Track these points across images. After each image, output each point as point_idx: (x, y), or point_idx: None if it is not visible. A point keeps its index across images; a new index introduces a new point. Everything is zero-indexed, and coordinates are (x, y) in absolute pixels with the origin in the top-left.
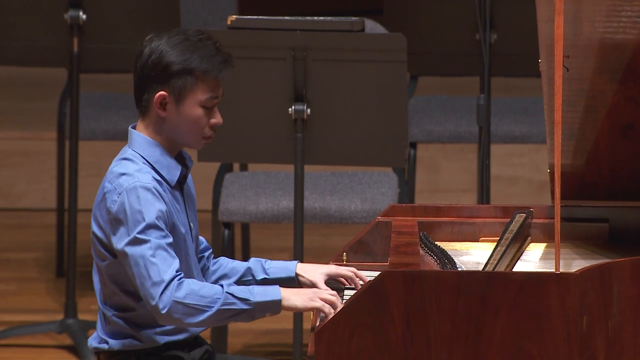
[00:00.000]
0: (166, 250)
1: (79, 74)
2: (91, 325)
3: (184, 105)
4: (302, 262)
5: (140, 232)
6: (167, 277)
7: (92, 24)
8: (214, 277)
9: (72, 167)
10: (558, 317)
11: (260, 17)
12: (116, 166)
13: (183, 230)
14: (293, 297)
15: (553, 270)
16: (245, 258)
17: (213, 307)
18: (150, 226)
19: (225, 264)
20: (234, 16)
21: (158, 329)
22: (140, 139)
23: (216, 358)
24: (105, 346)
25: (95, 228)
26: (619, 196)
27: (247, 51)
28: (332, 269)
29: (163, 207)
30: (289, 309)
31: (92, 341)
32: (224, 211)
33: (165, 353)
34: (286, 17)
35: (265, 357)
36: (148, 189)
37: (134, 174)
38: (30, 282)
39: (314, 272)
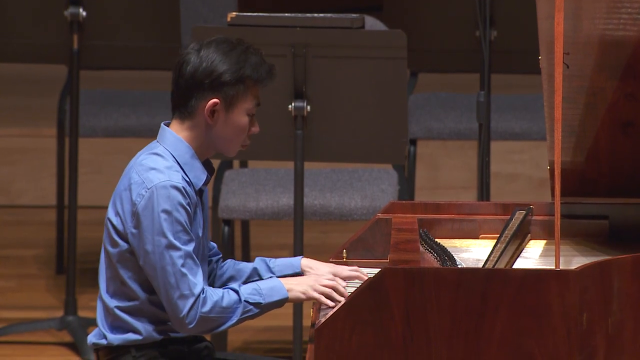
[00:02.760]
0: (193, 259)
1: (79, 71)
2: (91, 322)
3: (233, 113)
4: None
5: (170, 236)
6: (196, 291)
7: (92, 21)
8: (221, 280)
9: (72, 164)
10: (558, 314)
11: (260, 14)
12: (145, 159)
13: (200, 234)
14: (295, 288)
15: (553, 267)
16: (245, 255)
17: (232, 317)
18: (180, 230)
19: (232, 266)
20: (234, 13)
21: (158, 325)
22: (173, 137)
23: (216, 355)
24: (104, 342)
25: (112, 214)
26: (619, 193)
27: None
28: (338, 269)
29: (190, 208)
30: (292, 301)
31: (92, 338)
32: (223, 208)
33: (165, 349)
34: (286, 14)
35: (265, 354)
36: (178, 189)
37: (165, 171)
38: (30, 279)
39: (322, 269)
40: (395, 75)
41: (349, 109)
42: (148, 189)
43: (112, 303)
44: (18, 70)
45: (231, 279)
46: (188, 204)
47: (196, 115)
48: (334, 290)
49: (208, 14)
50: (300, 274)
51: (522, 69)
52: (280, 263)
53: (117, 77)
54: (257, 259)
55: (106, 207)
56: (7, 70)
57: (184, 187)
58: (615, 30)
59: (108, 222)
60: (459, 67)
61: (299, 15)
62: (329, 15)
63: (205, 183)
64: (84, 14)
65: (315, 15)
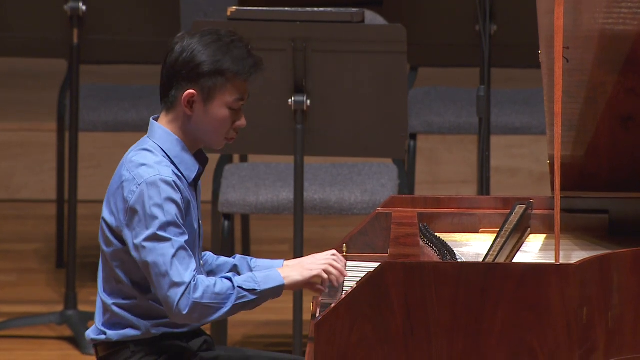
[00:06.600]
0: (185, 250)
1: (79, 65)
2: (91, 317)
3: (211, 105)
4: (302, 254)
5: (160, 229)
6: (187, 279)
7: (92, 15)
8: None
9: (72, 159)
10: (558, 308)
11: (260, 8)
12: (135, 156)
13: (195, 227)
14: (292, 274)
15: (553, 261)
16: (245, 249)
17: (227, 302)
18: (170, 223)
19: (212, 260)
20: (234, 7)
21: (156, 321)
22: (162, 132)
23: (216, 349)
24: (102, 337)
25: (106, 214)
26: (619, 187)
27: None
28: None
29: (182, 202)
30: (290, 287)
31: (90, 333)
32: (224, 202)
33: (163, 343)
34: (286, 8)
35: (265, 349)
36: (168, 183)
37: (155, 166)
38: (30, 273)
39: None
40: (395, 69)
41: (349, 104)
42: (139, 185)
43: (110, 300)
44: (18, 65)
45: (211, 273)
46: (180, 199)
47: (177, 106)
48: (330, 272)
49: (208, 8)
50: None
51: (522, 63)
52: (261, 264)
53: (117, 72)
54: (238, 256)
55: None
56: (7, 65)
57: (174, 182)
58: (616, 24)
59: (103, 222)
60: (459, 62)
61: (299, 9)
62: (329, 9)
63: (198, 175)
64: (84, 8)
65: (316, 9)
